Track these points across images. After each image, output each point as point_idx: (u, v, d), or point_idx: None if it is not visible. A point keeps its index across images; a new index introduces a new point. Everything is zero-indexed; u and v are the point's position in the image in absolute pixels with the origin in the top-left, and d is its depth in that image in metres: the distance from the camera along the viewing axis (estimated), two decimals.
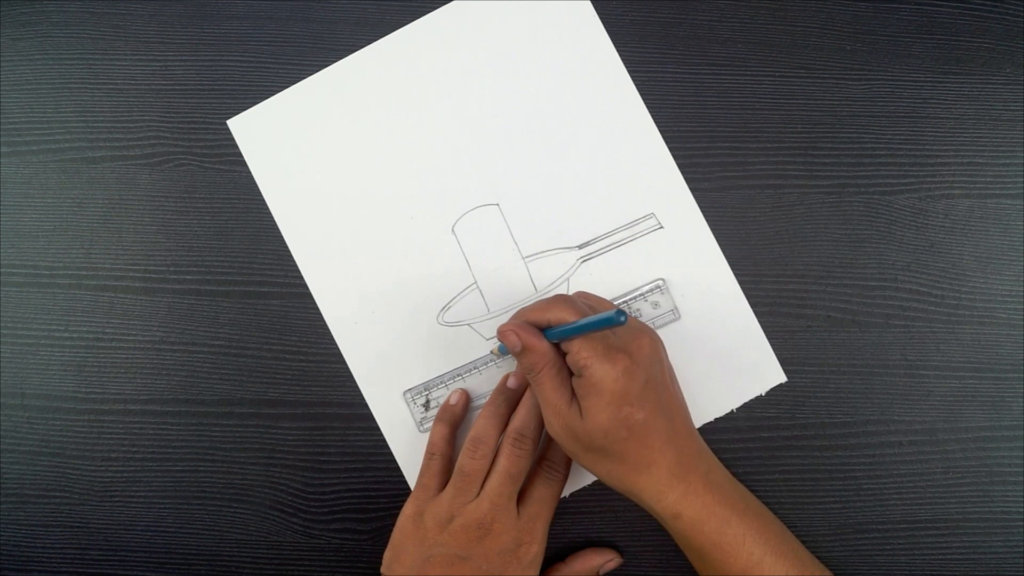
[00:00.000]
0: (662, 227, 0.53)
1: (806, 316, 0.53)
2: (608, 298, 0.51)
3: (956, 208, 0.53)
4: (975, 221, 0.53)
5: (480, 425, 0.49)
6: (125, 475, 0.52)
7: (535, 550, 0.47)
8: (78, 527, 0.52)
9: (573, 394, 0.45)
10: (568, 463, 0.49)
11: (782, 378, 0.52)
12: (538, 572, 0.48)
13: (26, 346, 0.53)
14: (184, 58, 0.54)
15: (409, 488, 0.52)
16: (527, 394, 0.49)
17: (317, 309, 0.53)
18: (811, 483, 0.52)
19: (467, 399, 0.52)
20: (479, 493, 0.47)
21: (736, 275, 0.52)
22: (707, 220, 0.53)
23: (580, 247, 0.53)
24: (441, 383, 0.52)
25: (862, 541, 0.52)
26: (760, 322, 0.52)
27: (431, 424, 0.52)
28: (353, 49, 0.54)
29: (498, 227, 0.53)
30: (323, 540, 0.52)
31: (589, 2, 0.54)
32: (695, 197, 0.53)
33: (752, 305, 0.52)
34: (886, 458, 0.52)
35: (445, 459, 0.50)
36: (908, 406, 0.52)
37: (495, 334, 0.50)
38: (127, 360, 0.53)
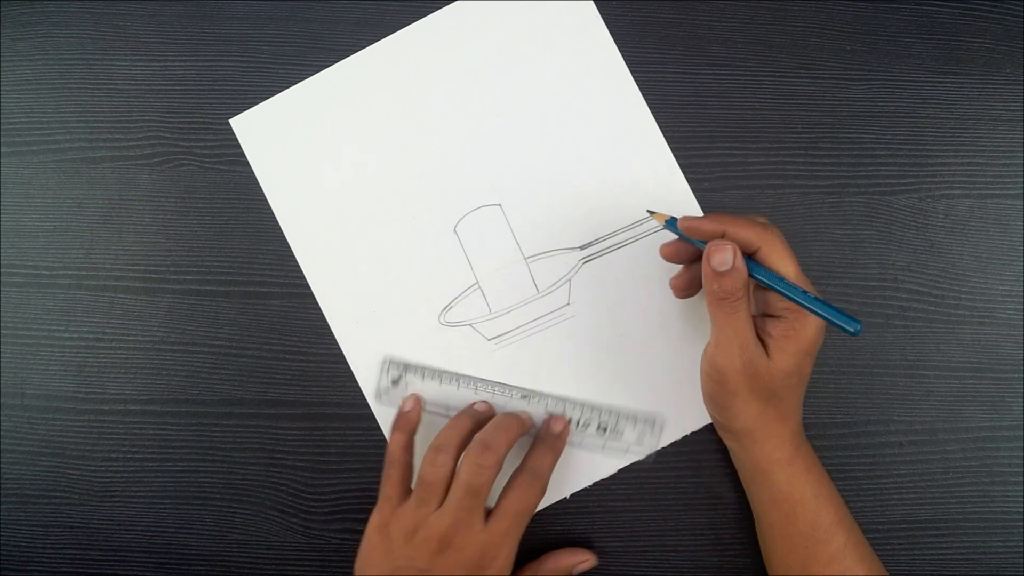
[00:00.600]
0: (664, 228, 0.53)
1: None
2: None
3: (956, 208, 0.54)
4: (975, 221, 0.53)
5: (442, 434, 0.47)
6: (125, 475, 0.52)
7: (500, 564, 0.45)
8: (78, 527, 0.52)
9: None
10: (549, 473, 0.48)
11: None
12: None
13: (26, 346, 0.53)
14: (184, 58, 0.54)
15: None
16: (501, 413, 0.49)
17: (317, 309, 0.53)
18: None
19: (420, 405, 0.51)
20: (441, 504, 0.46)
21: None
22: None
23: (582, 247, 0.53)
24: (420, 372, 0.52)
25: None
26: None
27: (390, 399, 0.51)
28: (353, 49, 0.54)
29: (500, 227, 0.53)
30: (323, 540, 0.52)
31: (591, 2, 0.54)
32: (696, 197, 0.53)
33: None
34: (886, 458, 0.52)
35: (405, 467, 0.49)
36: (908, 406, 0.52)
37: (656, 215, 0.48)
38: (127, 360, 0.53)
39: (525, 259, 0.53)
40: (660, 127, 0.53)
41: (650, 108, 0.53)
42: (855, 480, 0.52)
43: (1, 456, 0.52)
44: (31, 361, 0.53)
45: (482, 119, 0.53)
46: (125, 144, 0.54)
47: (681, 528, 0.52)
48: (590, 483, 0.52)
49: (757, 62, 0.54)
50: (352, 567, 0.51)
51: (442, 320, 0.52)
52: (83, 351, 0.53)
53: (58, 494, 0.52)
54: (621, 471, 0.52)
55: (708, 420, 0.52)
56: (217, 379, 0.53)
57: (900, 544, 0.52)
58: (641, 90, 0.53)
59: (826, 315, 0.42)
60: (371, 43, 0.54)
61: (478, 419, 0.49)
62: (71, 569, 0.52)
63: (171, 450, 0.53)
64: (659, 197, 0.53)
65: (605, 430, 0.51)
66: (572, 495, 0.52)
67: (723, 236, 0.44)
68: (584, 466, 0.52)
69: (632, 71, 0.54)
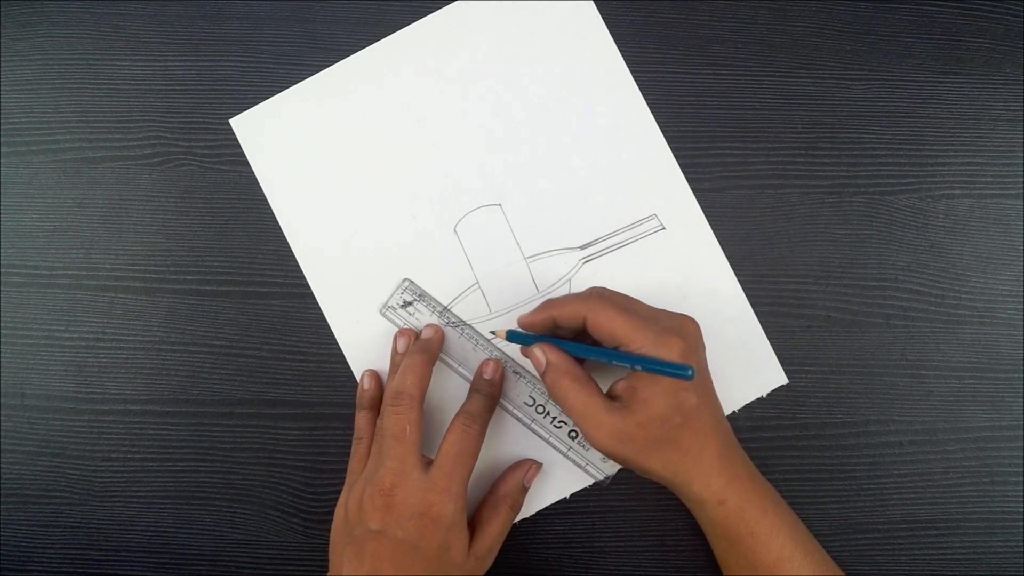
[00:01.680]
0: (664, 228, 0.53)
1: (806, 316, 0.53)
2: None
3: (956, 208, 0.54)
4: (975, 221, 0.53)
5: (403, 376, 0.48)
6: (125, 475, 0.52)
7: (449, 510, 0.44)
8: (78, 527, 0.52)
9: (605, 397, 0.45)
10: (485, 414, 0.48)
11: (783, 380, 0.52)
12: (462, 527, 0.45)
13: (26, 346, 0.53)
14: (184, 58, 0.54)
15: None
16: (405, 356, 0.49)
17: (317, 309, 0.53)
18: (811, 483, 0.52)
19: (379, 380, 0.52)
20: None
21: (736, 275, 0.53)
22: (707, 220, 0.53)
23: (582, 248, 0.53)
24: (432, 307, 0.52)
25: (862, 541, 0.52)
26: (760, 322, 0.52)
27: (393, 317, 0.52)
28: (353, 49, 0.54)
29: (500, 227, 0.53)
30: (323, 540, 0.52)
31: (592, 2, 0.54)
32: (696, 197, 0.53)
33: (752, 305, 0.52)
34: (886, 458, 0.52)
35: (369, 441, 0.49)
36: (908, 406, 0.53)
37: (497, 332, 0.50)
38: (127, 360, 0.53)
39: (525, 259, 0.53)
40: (660, 127, 0.53)
41: (650, 108, 0.53)
42: (855, 480, 0.52)
43: (1, 456, 0.52)
44: (31, 361, 0.53)
45: (482, 119, 0.53)
46: (125, 144, 0.54)
47: (681, 528, 0.52)
48: (590, 483, 0.52)
49: (757, 62, 0.54)
50: None
51: (442, 320, 0.52)
52: (83, 351, 0.53)
53: (58, 494, 0.52)
54: (621, 471, 0.52)
55: None
56: (217, 379, 0.53)
57: (900, 544, 0.52)
58: (641, 90, 0.53)
59: (656, 371, 0.43)
60: (371, 43, 0.54)
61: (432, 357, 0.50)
62: (71, 569, 0.52)
63: (171, 450, 0.53)
64: (659, 197, 0.53)
65: (575, 437, 0.51)
66: (572, 495, 0.52)
67: (553, 322, 0.46)
68: (584, 466, 0.52)
69: (632, 71, 0.54)
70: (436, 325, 0.51)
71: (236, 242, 0.53)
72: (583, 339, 0.47)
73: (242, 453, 0.52)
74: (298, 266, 0.53)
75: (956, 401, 0.52)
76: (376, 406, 0.51)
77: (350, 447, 0.52)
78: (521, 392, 0.51)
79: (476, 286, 0.52)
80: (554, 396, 0.46)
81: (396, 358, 0.51)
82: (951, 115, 0.54)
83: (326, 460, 0.52)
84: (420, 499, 0.44)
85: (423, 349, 0.49)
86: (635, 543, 0.52)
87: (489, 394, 0.50)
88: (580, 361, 0.47)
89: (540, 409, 0.51)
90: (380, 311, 0.52)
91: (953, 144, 0.54)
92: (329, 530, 0.52)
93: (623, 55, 0.54)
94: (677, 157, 0.53)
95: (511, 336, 0.49)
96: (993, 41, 0.54)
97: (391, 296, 0.52)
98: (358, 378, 0.52)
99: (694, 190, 0.53)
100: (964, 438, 0.52)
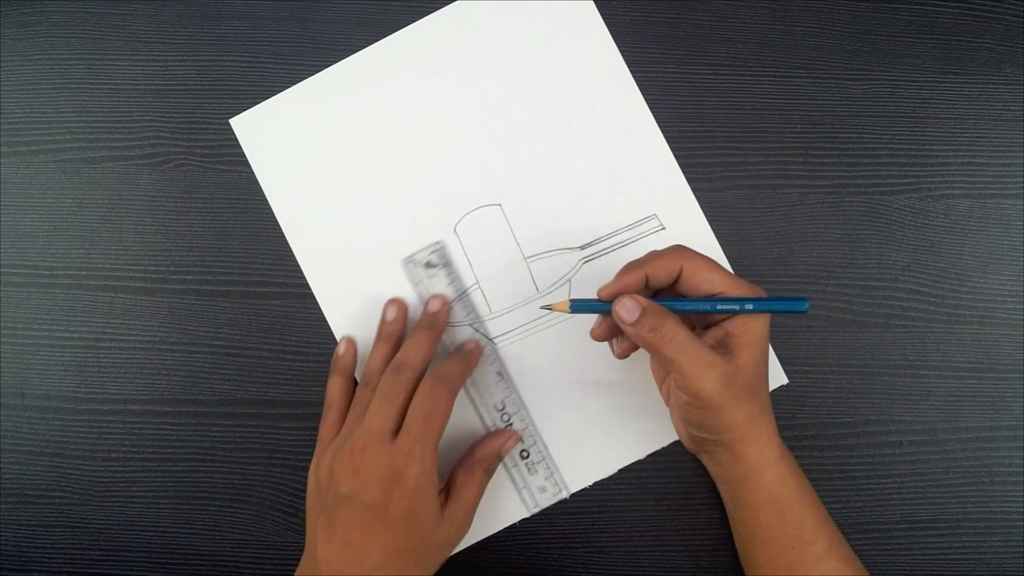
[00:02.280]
0: (664, 228, 0.53)
1: (806, 316, 0.53)
2: None
3: (956, 208, 0.54)
4: (975, 221, 0.53)
5: (370, 362, 0.49)
6: (125, 475, 0.52)
7: (415, 472, 0.43)
8: (78, 527, 0.52)
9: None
10: (457, 377, 0.47)
11: (783, 380, 0.52)
12: (432, 492, 0.44)
13: (26, 346, 0.53)
14: (184, 58, 0.54)
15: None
16: (413, 329, 0.49)
17: (317, 309, 0.53)
18: (811, 483, 0.52)
19: (355, 348, 0.51)
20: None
21: (735, 274, 0.52)
22: (707, 220, 0.53)
23: (582, 248, 0.53)
24: (451, 280, 0.52)
25: (862, 541, 0.52)
26: None
27: (411, 272, 0.52)
28: (353, 49, 0.54)
29: (500, 227, 0.53)
30: None
31: (592, 2, 0.54)
32: (696, 197, 0.53)
33: None
34: (886, 458, 0.52)
35: (340, 409, 0.49)
36: (908, 406, 0.53)
37: (555, 305, 0.47)
38: (127, 360, 0.53)
39: (525, 259, 0.53)
40: (660, 127, 0.53)
41: (650, 108, 0.53)
42: (855, 480, 0.52)
43: (1, 456, 0.52)
44: (31, 361, 0.53)
45: (482, 119, 0.53)
46: (125, 144, 0.54)
47: (681, 528, 0.52)
48: (590, 483, 0.52)
49: (757, 62, 0.54)
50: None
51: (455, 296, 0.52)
52: (83, 351, 0.53)
53: (58, 494, 0.52)
54: (621, 471, 0.52)
55: None
56: (217, 379, 0.53)
57: (900, 544, 0.52)
58: (641, 90, 0.53)
59: (770, 310, 0.43)
60: (371, 43, 0.54)
61: (395, 338, 0.50)
62: (71, 569, 0.52)
63: (171, 450, 0.53)
64: (659, 197, 0.53)
65: (525, 457, 0.51)
66: (572, 495, 0.52)
67: (645, 281, 0.45)
68: (584, 466, 0.52)
69: (632, 71, 0.54)
70: (444, 297, 0.51)
71: (236, 242, 0.53)
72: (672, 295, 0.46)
73: (242, 453, 0.52)
74: (298, 266, 0.53)
75: (956, 401, 0.52)
76: (350, 374, 0.51)
77: None
78: (495, 394, 0.52)
79: (476, 286, 0.52)
80: (655, 342, 0.43)
81: (384, 327, 0.51)
82: (951, 115, 0.54)
83: None
84: (387, 463, 0.44)
85: (430, 325, 0.49)
86: (635, 543, 0.52)
87: (465, 361, 0.49)
88: None
89: (505, 417, 0.51)
90: (402, 261, 0.52)
91: (953, 144, 0.54)
92: None
93: (623, 55, 0.54)
94: (677, 157, 0.53)
95: (575, 306, 0.46)
96: (993, 41, 0.54)
97: (420, 251, 0.52)
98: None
99: (694, 190, 0.53)
100: (964, 438, 0.52)
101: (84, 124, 0.54)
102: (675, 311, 0.44)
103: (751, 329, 0.44)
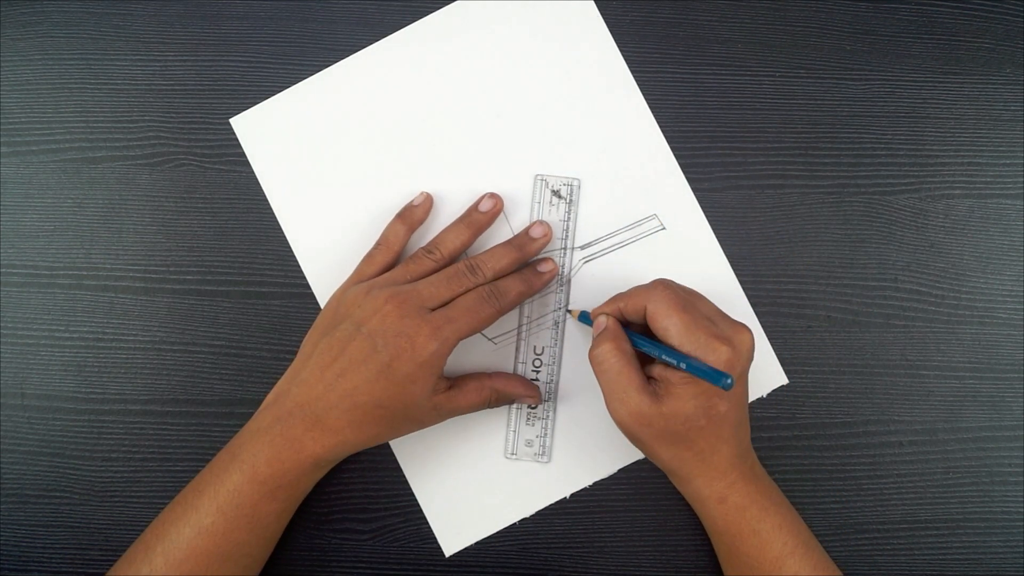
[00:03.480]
0: (664, 228, 0.53)
1: (806, 316, 0.53)
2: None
3: (956, 208, 0.54)
4: (975, 221, 0.53)
5: (444, 235, 0.50)
6: (125, 475, 0.52)
7: (432, 348, 0.44)
8: (78, 527, 0.52)
9: (644, 378, 0.45)
10: (514, 298, 0.48)
11: (783, 380, 0.52)
12: (434, 373, 0.45)
13: (26, 346, 0.53)
14: (184, 58, 0.54)
15: (410, 488, 0.52)
16: (504, 243, 0.50)
17: (317, 309, 0.53)
18: (811, 483, 0.52)
19: (431, 203, 0.52)
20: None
21: (736, 275, 0.53)
22: (708, 220, 0.53)
23: (583, 247, 0.53)
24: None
25: (862, 541, 0.52)
26: (760, 322, 0.52)
27: (540, 188, 0.52)
28: (354, 49, 0.54)
29: (500, 227, 0.53)
30: (323, 540, 0.52)
31: (592, 2, 0.54)
32: (696, 197, 0.53)
33: (752, 305, 0.52)
34: (886, 458, 0.52)
35: (391, 254, 0.50)
36: (908, 406, 0.53)
37: (572, 311, 0.51)
38: (127, 360, 0.53)
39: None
40: (660, 127, 0.53)
41: (650, 108, 0.53)
42: (855, 480, 0.52)
43: (1, 456, 0.52)
44: (31, 361, 0.53)
45: (482, 119, 0.53)
46: (125, 144, 0.54)
47: (681, 528, 0.52)
48: (590, 483, 0.52)
49: (757, 62, 0.54)
50: (352, 566, 0.52)
51: None
52: (83, 351, 0.53)
53: (58, 494, 0.52)
54: (621, 471, 0.52)
55: None
56: (217, 379, 0.53)
57: (900, 544, 0.52)
58: (641, 90, 0.53)
59: (695, 373, 0.43)
60: (371, 43, 0.54)
61: (478, 228, 0.51)
62: (71, 569, 0.52)
63: (171, 450, 0.52)
64: (659, 197, 0.53)
65: (533, 407, 0.52)
66: (572, 495, 0.52)
67: (621, 314, 0.47)
68: (584, 466, 0.52)
69: (632, 71, 0.54)
70: (549, 230, 0.51)
71: (236, 242, 0.53)
72: (649, 333, 0.47)
73: None
74: (298, 266, 0.53)
75: (956, 401, 0.52)
76: (415, 226, 0.51)
77: None
78: (542, 338, 0.52)
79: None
80: (591, 359, 0.46)
81: (474, 214, 0.51)
82: (951, 115, 0.54)
83: None
84: (414, 324, 0.45)
85: (520, 247, 0.50)
86: (635, 543, 0.52)
87: (529, 282, 0.49)
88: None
89: (537, 363, 0.52)
90: (535, 176, 0.52)
91: (953, 144, 0.54)
92: (329, 530, 0.52)
93: (623, 55, 0.54)
94: (677, 157, 0.53)
95: (582, 317, 0.50)
96: (993, 41, 0.54)
97: (557, 176, 0.52)
98: None
99: (694, 190, 0.53)
100: (964, 438, 0.52)
101: (84, 124, 0.54)
102: (634, 345, 0.46)
103: (687, 383, 0.44)
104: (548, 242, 0.51)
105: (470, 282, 0.47)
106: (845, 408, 0.53)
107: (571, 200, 0.52)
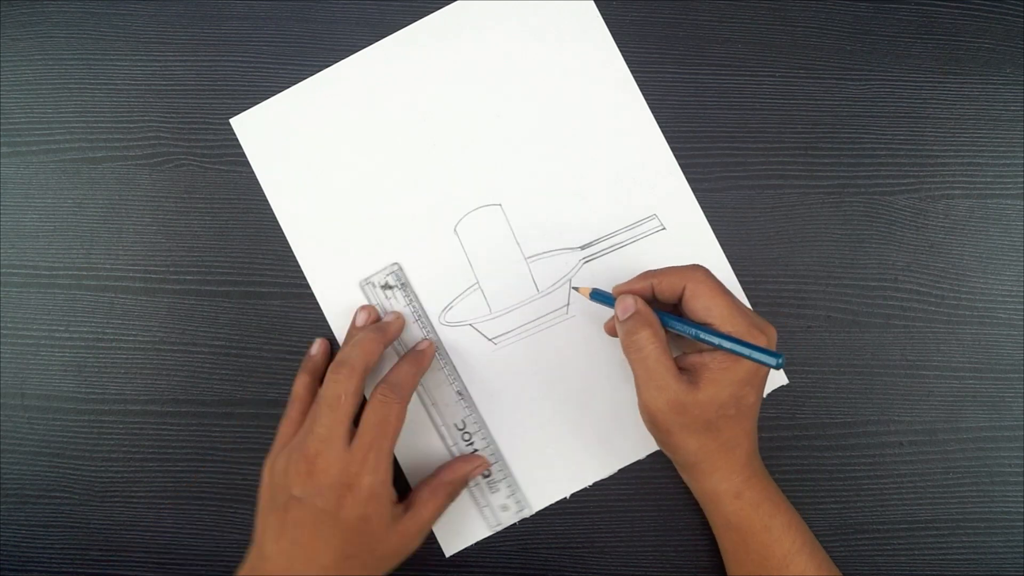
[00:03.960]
0: (664, 228, 0.53)
1: (806, 316, 0.53)
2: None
3: (956, 208, 0.54)
4: (975, 221, 0.53)
5: (329, 381, 0.48)
6: (125, 475, 0.52)
7: (367, 481, 0.44)
8: (78, 527, 0.52)
9: (677, 368, 0.45)
10: (409, 383, 0.48)
11: (783, 380, 0.52)
12: (384, 500, 0.45)
13: (26, 346, 0.53)
14: (184, 58, 0.54)
15: (411, 488, 0.52)
16: (361, 333, 0.49)
17: (317, 309, 0.53)
18: (811, 483, 0.52)
19: (328, 349, 0.52)
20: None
21: (736, 275, 0.53)
22: (708, 220, 0.53)
23: (583, 248, 0.53)
24: (409, 300, 0.52)
25: (862, 541, 0.52)
26: None
27: (370, 294, 0.52)
28: (354, 49, 0.54)
29: (500, 227, 0.53)
30: None
31: (592, 2, 0.54)
32: (696, 197, 0.53)
33: (752, 305, 0.52)
34: (886, 458, 0.52)
35: (304, 405, 0.49)
36: (908, 406, 0.53)
37: (581, 288, 0.50)
38: (127, 360, 0.53)
39: (525, 259, 0.53)
40: (660, 127, 0.53)
41: (650, 108, 0.53)
42: (855, 480, 0.52)
43: (1, 456, 0.52)
44: (31, 361, 0.53)
45: (482, 119, 0.53)
46: (125, 144, 0.54)
47: (681, 528, 0.52)
48: (590, 483, 0.52)
49: (757, 62, 0.54)
50: None
51: (442, 320, 0.52)
52: (83, 351, 0.53)
53: (58, 494, 0.52)
54: (621, 471, 0.52)
55: None
56: (217, 379, 0.53)
57: (900, 544, 0.52)
58: (641, 90, 0.53)
59: (742, 353, 0.43)
60: (371, 43, 0.54)
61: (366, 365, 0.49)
62: (71, 569, 0.52)
63: (171, 450, 0.53)
64: (659, 197, 0.53)
65: (487, 476, 0.51)
66: (572, 495, 0.52)
67: (651, 292, 0.46)
68: (584, 466, 0.52)
69: (632, 71, 0.54)
70: (401, 315, 0.51)
71: (236, 242, 0.53)
72: (677, 315, 0.47)
73: (242, 453, 0.52)
74: (298, 266, 0.53)
75: (956, 401, 0.52)
76: (319, 374, 0.51)
77: None
78: (455, 413, 0.52)
79: (476, 286, 0.52)
80: (628, 346, 0.45)
81: (352, 332, 0.51)
82: (951, 115, 0.54)
83: None
84: (341, 469, 0.44)
85: (379, 329, 0.49)
86: (635, 543, 0.52)
87: (416, 362, 0.49)
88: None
89: (467, 436, 0.51)
90: (360, 283, 0.52)
91: (953, 144, 0.54)
92: None
93: (623, 55, 0.54)
94: (677, 157, 0.53)
95: (595, 295, 0.48)
96: (993, 41, 0.54)
97: (376, 273, 0.52)
98: None
99: (694, 190, 0.53)
100: (964, 438, 0.52)
101: (84, 124, 0.54)
102: (666, 326, 0.45)
103: (726, 368, 0.44)
104: (402, 322, 0.51)
105: (345, 381, 0.46)
106: (845, 408, 0.53)
107: (403, 282, 0.52)
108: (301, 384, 0.50)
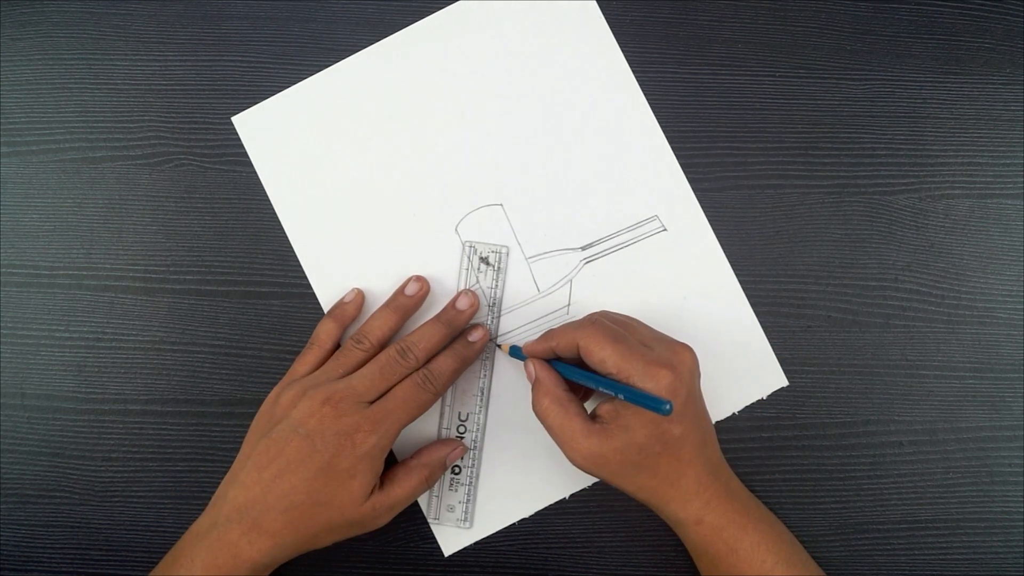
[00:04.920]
0: (665, 230, 0.53)
1: (806, 316, 0.53)
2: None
3: (956, 208, 0.54)
4: (975, 221, 0.53)
5: (370, 322, 0.49)
6: (125, 475, 0.52)
7: (372, 441, 0.45)
8: (78, 527, 0.52)
9: (587, 418, 0.45)
10: (448, 378, 0.48)
11: (783, 382, 0.52)
12: (374, 467, 0.45)
13: (26, 346, 0.53)
14: (184, 58, 0.54)
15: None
16: (433, 319, 0.49)
17: (317, 309, 0.53)
18: (811, 483, 0.52)
19: (362, 299, 0.52)
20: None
21: (736, 275, 0.53)
22: (708, 220, 0.53)
23: (584, 248, 0.53)
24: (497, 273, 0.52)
25: (862, 541, 0.52)
26: (760, 322, 0.52)
27: (468, 255, 0.52)
28: (354, 49, 0.54)
29: (502, 227, 0.53)
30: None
31: (594, 2, 0.54)
32: (696, 197, 0.53)
33: (752, 305, 0.52)
34: (886, 458, 0.52)
35: (322, 352, 0.50)
36: (908, 406, 0.53)
37: (502, 345, 0.52)
38: (127, 360, 0.53)
39: (526, 259, 0.53)
40: (661, 127, 0.53)
41: (651, 108, 0.53)
42: (855, 480, 0.52)
43: (1, 456, 0.52)
44: (31, 361, 0.53)
45: (484, 119, 0.53)
46: (125, 144, 0.54)
47: None
48: (590, 483, 0.52)
49: (757, 62, 0.54)
50: (351, 566, 0.52)
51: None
52: (83, 351, 0.53)
53: (58, 494, 0.52)
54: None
55: None
56: (217, 379, 0.53)
57: (900, 544, 0.52)
58: (643, 90, 0.53)
59: (636, 402, 0.43)
60: (371, 43, 0.54)
61: (408, 307, 0.50)
62: (71, 569, 0.52)
63: (171, 450, 0.52)
64: (660, 197, 0.53)
65: (457, 472, 0.51)
66: (572, 495, 0.52)
67: (553, 352, 0.47)
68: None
69: (634, 71, 0.54)
70: (475, 298, 0.51)
71: (236, 242, 0.53)
72: (584, 366, 0.47)
73: None
74: (298, 266, 0.53)
75: (956, 401, 0.52)
76: (346, 324, 0.51)
77: None
78: (466, 404, 0.52)
79: (476, 286, 0.52)
80: (536, 413, 0.46)
81: (400, 298, 0.51)
82: (951, 115, 0.54)
83: None
84: (352, 421, 0.45)
85: (448, 323, 0.49)
86: (635, 543, 0.52)
87: (462, 356, 0.49)
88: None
89: (461, 429, 0.52)
90: (464, 242, 0.52)
91: (953, 144, 0.54)
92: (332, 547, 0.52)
93: (625, 55, 0.54)
94: (677, 157, 0.53)
95: (513, 351, 0.50)
96: (993, 41, 0.54)
97: (485, 243, 0.52)
98: None
99: (694, 190, 0.53)
100: (964, 438, 0.52)
101: (84, 124, 0.54)
102: (568, 378, 0.47)
103: (635, 412, 0.44)
104: (475, 312, 0.51)
105: (403, 368, 0.47)
106: (845, 408, 0.53)
107: (499, 267, 0.52)
108: (325, 331, 0.50)
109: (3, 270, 0.53)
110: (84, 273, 0.53)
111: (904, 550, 0.52)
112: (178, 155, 0.54)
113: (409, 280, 0.51)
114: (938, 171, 0.54)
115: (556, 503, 0.52)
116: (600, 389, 0.45)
